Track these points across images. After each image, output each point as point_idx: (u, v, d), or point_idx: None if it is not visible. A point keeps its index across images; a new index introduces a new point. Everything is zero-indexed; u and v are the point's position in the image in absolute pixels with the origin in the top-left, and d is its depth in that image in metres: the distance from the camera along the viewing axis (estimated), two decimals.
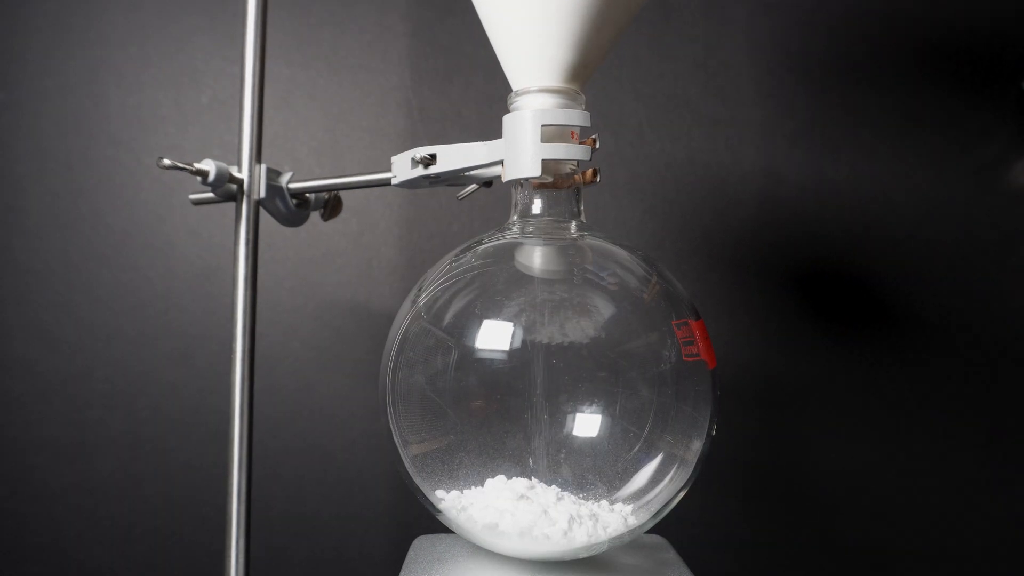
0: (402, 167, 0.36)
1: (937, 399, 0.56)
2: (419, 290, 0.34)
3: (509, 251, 0.34)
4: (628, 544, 0.35)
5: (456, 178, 0.36)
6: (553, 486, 0.31)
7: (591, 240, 0.34)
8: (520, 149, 0.32)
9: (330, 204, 0.43)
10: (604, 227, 0.53)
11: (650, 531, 0.33)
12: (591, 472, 0.31)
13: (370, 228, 0.55)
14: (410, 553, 0.36)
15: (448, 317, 0.32)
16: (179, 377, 0.54)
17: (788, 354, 0.56)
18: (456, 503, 0.32)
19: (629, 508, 0.31)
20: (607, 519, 0.31)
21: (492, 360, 0.30)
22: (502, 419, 0.30)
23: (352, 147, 0.55)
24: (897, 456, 0.56)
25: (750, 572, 0.56)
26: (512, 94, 0.33)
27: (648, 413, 0.31)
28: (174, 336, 0.54)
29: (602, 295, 0.32)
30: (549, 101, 0.32)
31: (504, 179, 0.33)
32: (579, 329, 0.31)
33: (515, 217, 0.34)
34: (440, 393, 0.31)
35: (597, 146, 0.33)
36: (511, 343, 0.30)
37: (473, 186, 0.36)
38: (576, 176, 0.34)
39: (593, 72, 0.33)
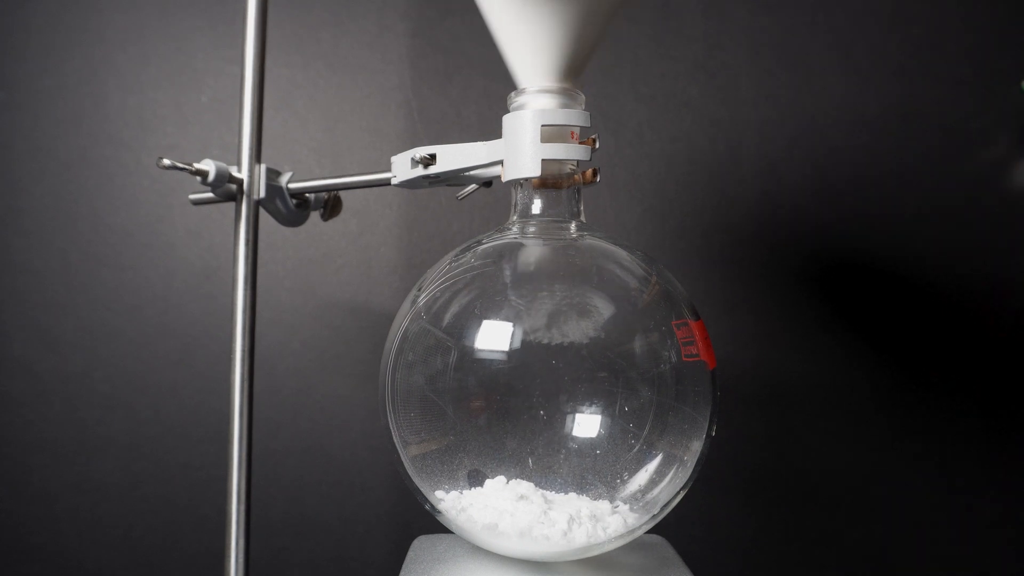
0: (402, 167, 0.36)
1: (937, 399, 0.56)
2: (419, 290, 0.34)
3: (509, 251, 0.33)
4: (628, 544, 0.35)
5: (456, 178, 0.36)
6: (553, 487, 0.31)
7: (591, 240, 0.34)
8: (520, 149, 0.32)
9: (330, 204, 0.43)
10: (604, 227, 0.53)
11: (650, 531, 0.33)
12: (591, 472, 0.31)
13: (370, 228, 0.55)
14: (410, 553, 0.36)
15: (448, 317, 0.32)
16: (179, 378, 0.54)
17: (788, 354, 0.56)
18: (456, 504, 0.32)
19: (629, 508, 0.31)
20: (607, 519, 0.31)
21: (492, 360, 0.30)
22: (502, 419, 0.30)
23: (352, 147, 0.55)
24: (897, 456, 0.56)
25: (750, 572, 0.56)
26: (512, 94, 0.33)
27: (648, 413, 0.31)
28: (174, 336, 0.54)
29: (602, 295, 0.32)
30: (549, 101, 0.32)
31: (504, 179, 0.33)
32: (579, 329, 0.31)
33: (515, 217, 0.34)
34: (440, 393, 0.31)
35: (597, 146, 0.33)
36: (511, 343, 0.30)
37: (473, 186, 0.36)
38: (576, 176, 0.34)
39: (585, 66, 0.33)
